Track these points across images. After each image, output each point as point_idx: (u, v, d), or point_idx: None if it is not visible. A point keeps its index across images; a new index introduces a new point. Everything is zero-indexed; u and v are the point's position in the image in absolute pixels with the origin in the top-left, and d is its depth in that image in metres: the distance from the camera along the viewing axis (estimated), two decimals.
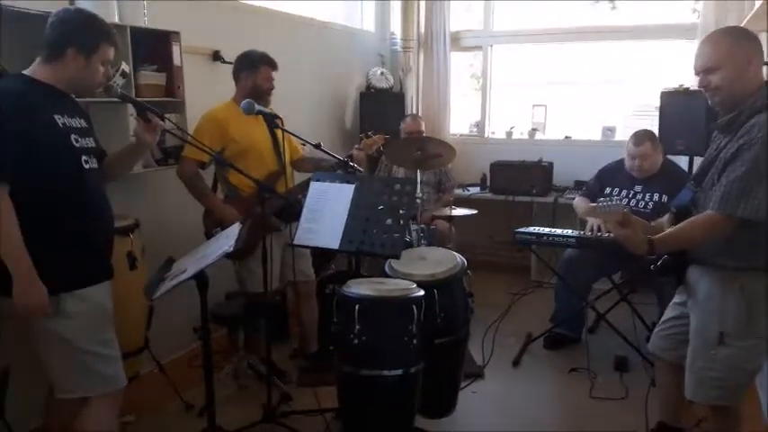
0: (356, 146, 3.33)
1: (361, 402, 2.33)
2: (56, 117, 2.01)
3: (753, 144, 1.90)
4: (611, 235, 3.23)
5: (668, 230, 2.11)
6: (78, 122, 2.11)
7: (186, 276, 2.07)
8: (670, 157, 3.81)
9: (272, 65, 3.18)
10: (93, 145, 2.16)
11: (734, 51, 1.98)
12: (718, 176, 2.00)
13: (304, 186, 2.89)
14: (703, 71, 2.04)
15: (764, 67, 2.08)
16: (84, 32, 2.03)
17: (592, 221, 3.45)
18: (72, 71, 2.03)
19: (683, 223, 2.08)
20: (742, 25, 2.94)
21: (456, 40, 5.64)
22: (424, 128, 4.61)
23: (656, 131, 3.80)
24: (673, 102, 4.20)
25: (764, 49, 2.07)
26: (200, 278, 2.12)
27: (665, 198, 3.44)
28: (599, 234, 3.35)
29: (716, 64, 2.00)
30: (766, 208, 1.89)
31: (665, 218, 2.33)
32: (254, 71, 3.13)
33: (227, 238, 2.23)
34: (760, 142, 1.89)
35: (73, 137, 2.05)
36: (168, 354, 3.28)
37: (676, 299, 2.37)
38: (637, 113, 5.18)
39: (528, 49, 5.77)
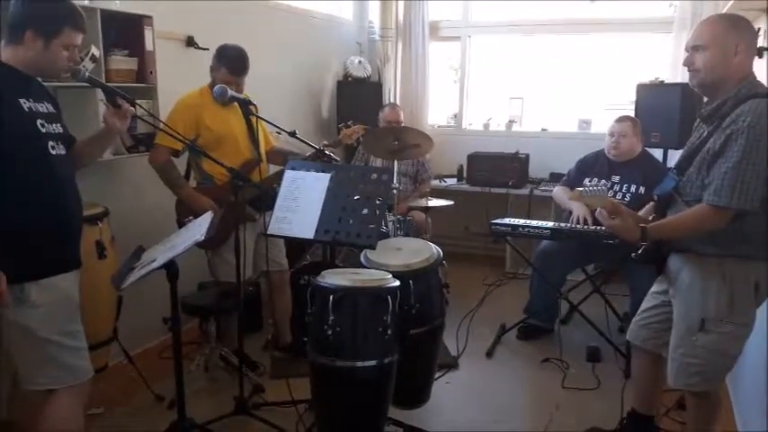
0: (324, 142, 3.28)
1: (334, 393, 2.31)
2: (21, 101, 1.94)
3: (740, 133, 1.93)
4: (594, 227, 3.32)
5: (662, 220, 2.14)
6: (45, 107, 2.05)
7: (155, 266, 2.03)
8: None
9: (232, 70, 2.99)
10: (61, 130, 2.10)
11: (724, 36, 2.01)
12: (708, 168, 2.02)
13: (280, 176, 2.85)
14: (692, 47, 2.07)
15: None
16: (44, 15, 1.95)
17: (577, 213, 3.48)
18: (31, 54, 1.95)
19: (678, 215, 2.10)
20: None
21: (435, 30, 5.62)
22: (402, 117, 4.58)
23: None
24: (648, 95, 4.24)
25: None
26: (170, 268, 2.08)
27: (642, 189, 3.48)
28: (585, 226, 3.38)
29: (704, 43, 2.03)
30: (758, 198, 1.92)
31: (647, 207, 2.35)
32: (216, 69, 3.03)
33: (199, 227, 2.19)
34: (747, 131, 1.91)
35: (39, 122, 1.98)
36: (138, 345, 3.23)
37: (655, 288, 2.38)
38: (612, 106, 5.22)
39: (506, 41, 5.78)
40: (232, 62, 3.01)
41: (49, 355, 1.99)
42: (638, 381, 2.55)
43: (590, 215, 3.41)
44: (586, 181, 3.64)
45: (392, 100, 5.48)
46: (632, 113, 4.24)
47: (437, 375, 2.93)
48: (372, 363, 2.22)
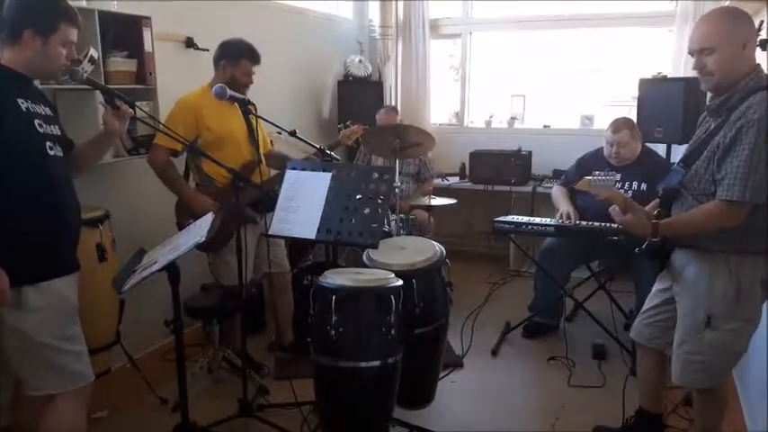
0: (322, 145, 3.26)
1: (338, 394, 2.29)
2: (19, 101, 1.93)
3: (751, 126, 1.90)
4: (600, 224, 3.29)
5: (674, 216, 2.11)
6: (43, 110, 2.04)
7: (156, 268, 2.01)
8: (648, 144, 3.81)
9: (253, 59, 3.07)
10: (59, 133, 2.09)
11: (731, 33, 1.96)
12: (718, 163, 1.98)
13: (281, 177, 2.83)
14: (699, 51, 2.01)
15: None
16: (40, 12, 1.94)
17: (562, 210, 3.46)
18: (30, 54, 1.94)
19: (691, 211, 2.07)
20: None
21: (435, 28, 5.59)
22: (399, 120, 4.55)
23: (634, 119, 3.79)
24: (651, 90, 4.21)
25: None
26: (172, 270, 2.06)
27: (644, 186, 3.44)
28: (569, 222, 3.37)
29: (712, 45, 1.97)
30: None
31: (653, 203, 2.32)
32: (233, 64, 3.03)
33: (200, 229, 2.17)
34: (758, 123, 1.89)
35: (37, 122, 1.97)
36: (141, 348, 3.22)
37: (658, 285, 2.36)
38: (615, 102, 5.20)
39: (506, 37, 5.75)
40: (250, 52, 3.05)
41: (47, 360, 1.97)
42: (644, 379, 2.54)
43: (575, 213, 3.40)
44: (596, 172, 3.61)
45: (393, 98, 5.46)
46: (634, 109, 4.22)
47: (442, 375, 2.91)
48: (376, 363, 2.20)
